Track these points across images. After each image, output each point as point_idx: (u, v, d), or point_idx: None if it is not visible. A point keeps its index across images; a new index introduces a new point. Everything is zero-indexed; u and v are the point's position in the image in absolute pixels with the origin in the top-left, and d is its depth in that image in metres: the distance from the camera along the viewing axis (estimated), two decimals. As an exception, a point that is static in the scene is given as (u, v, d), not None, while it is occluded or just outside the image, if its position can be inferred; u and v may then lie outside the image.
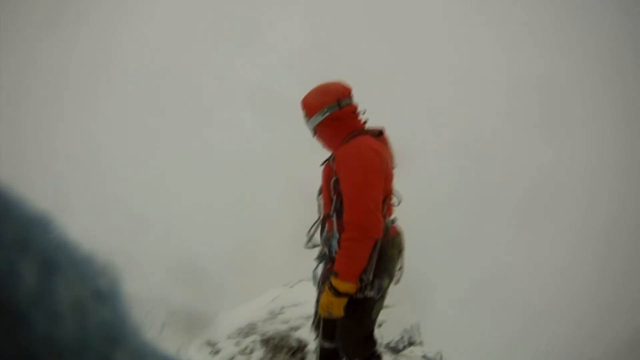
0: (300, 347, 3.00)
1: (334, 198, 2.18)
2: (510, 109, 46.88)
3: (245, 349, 3.07)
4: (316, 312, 2.51)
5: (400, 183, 2.53)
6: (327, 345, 2.48)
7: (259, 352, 3.03)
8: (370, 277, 2.11)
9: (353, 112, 2.24)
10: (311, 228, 2.40)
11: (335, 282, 2.05)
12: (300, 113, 2.35)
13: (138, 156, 37.14)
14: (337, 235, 2.20)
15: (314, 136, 2.33)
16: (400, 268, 2.33)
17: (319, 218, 2.41)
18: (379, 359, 2.43)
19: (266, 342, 2.96)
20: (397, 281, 2.31)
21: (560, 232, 29.25)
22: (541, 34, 57.27)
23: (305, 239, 2.40)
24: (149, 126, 43.28)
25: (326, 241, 2.28)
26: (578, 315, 20.90)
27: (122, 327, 0.26)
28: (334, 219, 2.20)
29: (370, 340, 2.40)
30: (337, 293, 2.05)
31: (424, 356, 3.33)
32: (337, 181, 2.15)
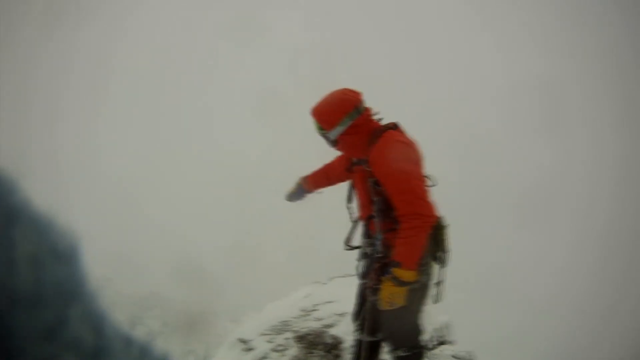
0: (336, 344, 3.05)
1: (375, 199, 2.18)
2: (510, 109, 46.92)
3: (279, 346, 3.12)
4: (360, 305, 2.55)
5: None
6: (368, 339, 2.52)
7: (294, 349, 3.06)
8: (428, 261, 2.15)
9: (370, 114, 2.24)
10: (348, 234, 2.47)
11: (398, 272, 2.08)
12: (300, 113, 2.32)
13: (139, 156, 37.07)
14: (381, 236, 2.22)
15: (334, 147, 2.26)
16: (447, 251, 2.31)
17: (355, 222, 2.47)
18: (423, 350, 2.43)
19: (301, 339, 3.00)
20: (445, 264, 2.32)
21: (560, 232, 29.29)
22: (541, 34, 57.37)
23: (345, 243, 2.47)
24: (149, 126, 43.19)
25: (371, 241, 2.34)
26: (578, 315, 20.98)
27: (79, 288, 0.29)
28: (377, 219, 2.20)
29: (418, 329, 2.39)
30: (401, 282, 2.09)
31: (454, 355, 3.35)
32: (376, 182, 2.14)
